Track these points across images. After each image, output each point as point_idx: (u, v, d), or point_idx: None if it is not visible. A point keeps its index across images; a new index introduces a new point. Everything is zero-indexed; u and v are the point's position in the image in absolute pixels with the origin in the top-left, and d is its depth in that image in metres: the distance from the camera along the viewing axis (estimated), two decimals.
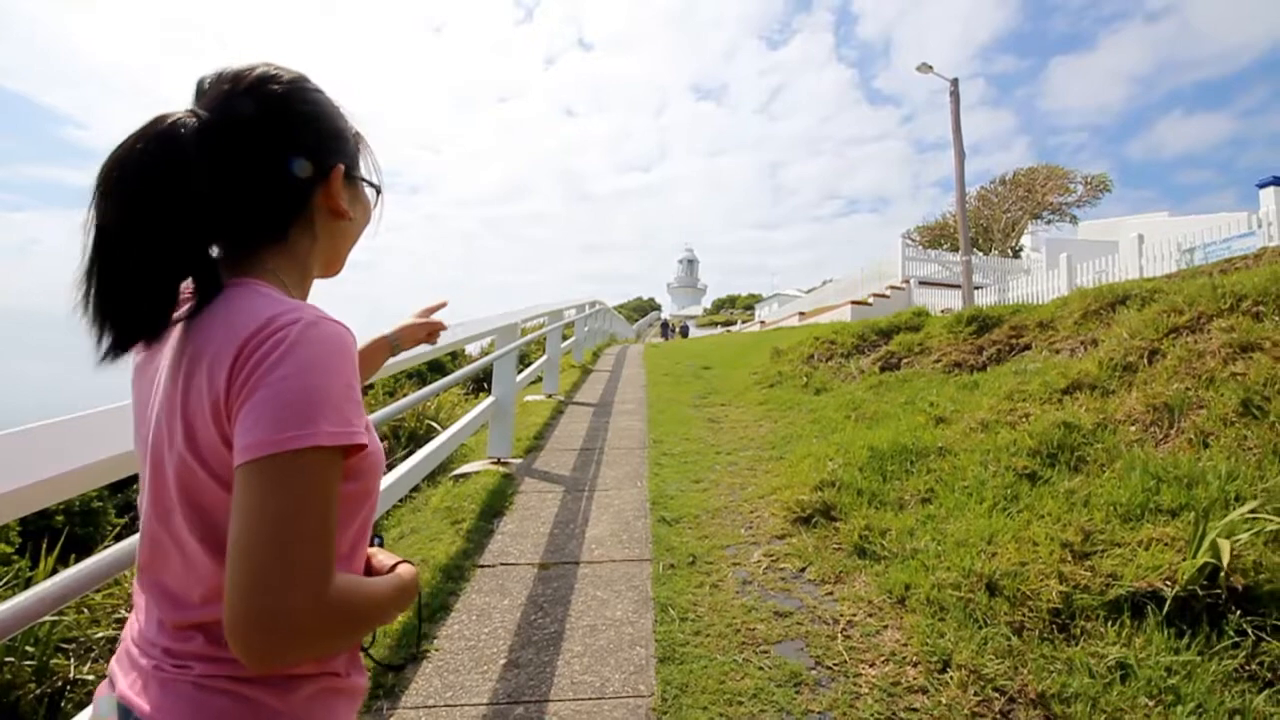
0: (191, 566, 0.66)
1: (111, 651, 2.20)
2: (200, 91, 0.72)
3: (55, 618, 2.04)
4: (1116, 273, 11.83)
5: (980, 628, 2.16)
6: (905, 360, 6.39)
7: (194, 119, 0.67)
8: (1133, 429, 3.23)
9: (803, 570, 2.78)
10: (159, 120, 0.66)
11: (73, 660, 2.09)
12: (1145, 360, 3.75)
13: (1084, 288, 5.36)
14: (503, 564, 2.99)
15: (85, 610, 2.25)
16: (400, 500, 4.02)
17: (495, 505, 3.72)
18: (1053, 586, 2.24)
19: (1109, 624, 2.12)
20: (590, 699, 2.02)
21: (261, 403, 0.59)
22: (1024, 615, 2.19)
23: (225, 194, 0.68)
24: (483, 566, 2.99)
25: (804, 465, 3.83)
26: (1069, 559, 2.35)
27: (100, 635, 2.18)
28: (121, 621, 2.29)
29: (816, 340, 7.67)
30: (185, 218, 0.65)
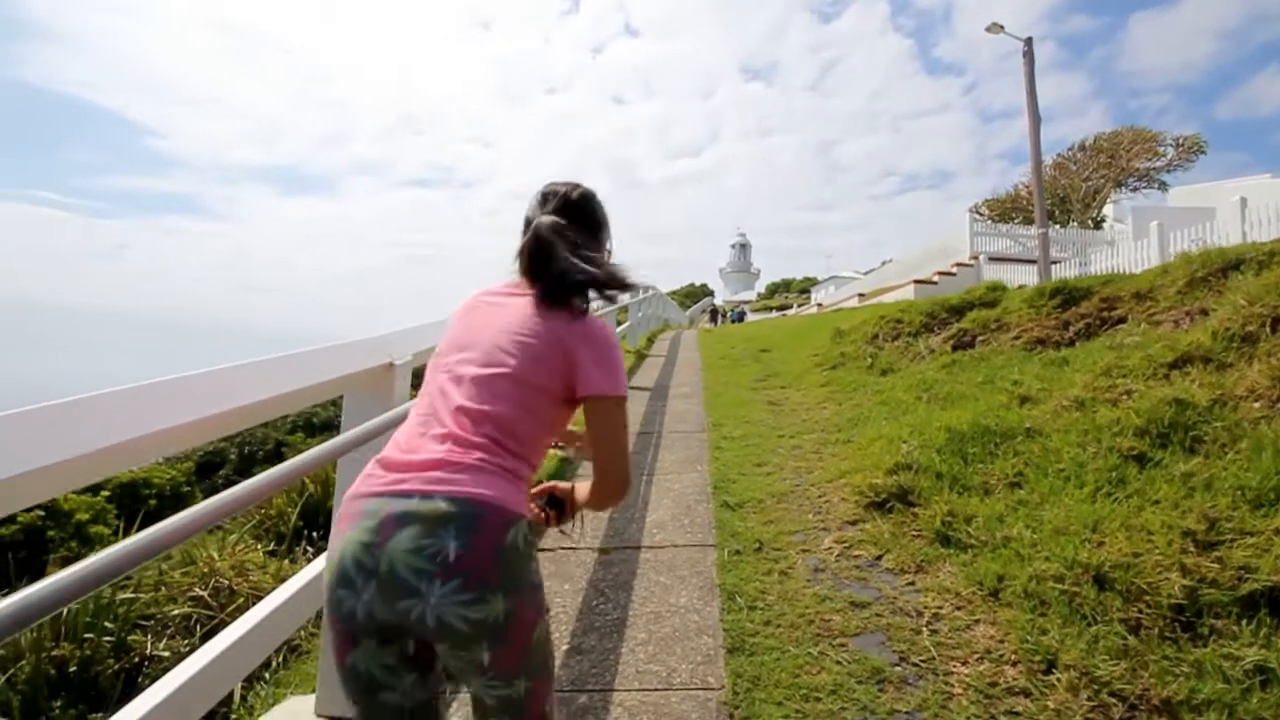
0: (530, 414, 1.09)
1: (186, 628, 2.26)
2: (547, 200, 1.24)
3: (133, 594, 2.10)
4: (1215, 240, 10.81)
5: (1089, 624, 1.94)
6: (980, 338, 5.99)
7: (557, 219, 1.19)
8: (1256, 405, 2.87)
9: (879, 558, 2.60)
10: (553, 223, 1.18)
11: (149, 637, 2.14)
12: (1268, 329, 3.34)
13: (1188, 253, 4.86)
14: (562, 548, 2.92)
15: (163, 588, 2.31)
16: None
17: None
18: (1174, 580, 1.98)
19: (1243, 622, 1.86)
20: (657, 690, 1.92)
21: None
22: (1140, 611, 1.95)
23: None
24: (542, 550, 2.93)
25: (875, 448, 3.61)
26: (1191, 549, 2.09)
27: (176, 613, 2.24)
28: (197, 599, 2.35)
29: (881, 319, 7.31)
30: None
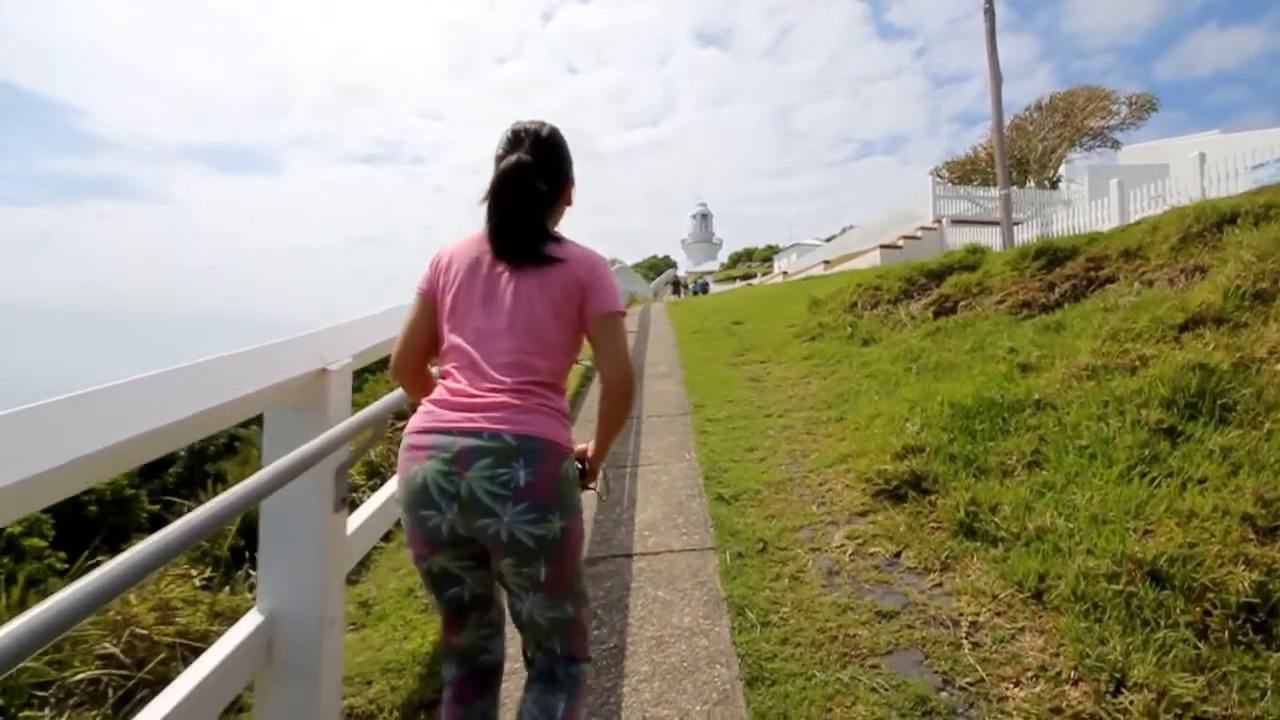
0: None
1: (94, 695, 1.88)
2: (519, 139, 1.33)
3: (31, 663, 1.71)
4: (1174, 198, 10.93)
5: (1152, 631, 1.72)
6: (963, 303, 5.82)
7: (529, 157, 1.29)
8: None
9: (898, 555, 2.35)
10: (518, 161, 1.28)
11: (48, 712, 1.75)
12: None
13: (1180, 207, 4.72)
14: None
15: (65, 645, 1.91)
16: None
17: None
18: (1240, 574, 1.77)
19: None
20: None
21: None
22: (1207, 613, 1.74)
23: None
24: None
25: (875, 428, 3.37)
26: (1253, 537, 1.89)
27: (81, 676, 1.84)
28: (108, 657, 1.95)
29: (859, 287, 7.11)
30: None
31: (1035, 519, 2.26)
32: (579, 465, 1.35)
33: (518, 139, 1.32)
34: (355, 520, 1.78)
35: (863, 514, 2.69)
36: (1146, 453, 2.40)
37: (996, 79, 14.10)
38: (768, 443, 3.78)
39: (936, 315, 5.86)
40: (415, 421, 1.23)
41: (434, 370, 1.38)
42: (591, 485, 1.43)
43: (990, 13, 14.00)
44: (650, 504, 3.07)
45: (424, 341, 1.35)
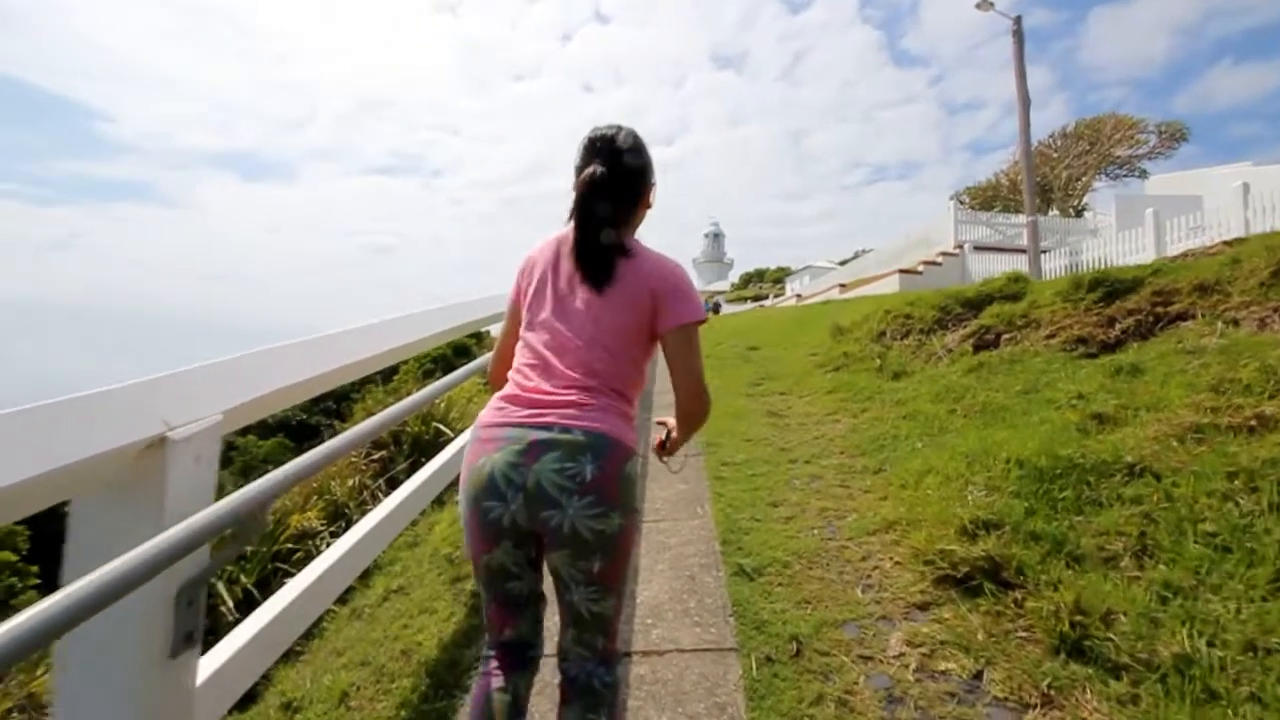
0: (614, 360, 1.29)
1: None
2: (594, 148, 1.34)
3: None
4: (1214, 229, 10.36)
5: None
6: (1006, 336, 5.26)
7: (604, 168, 1.31)
8: None
9: (978, 677, 1.79)
10: (593, 174, 1.30)
11: None
12: None
13: (1269, 235, 4.17)
14: None
15: None
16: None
17: None
18: None
19: None
20: None
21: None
22: None
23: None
24: None
25: (928, 488, 2.82)
26: None
27: None
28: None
29: (887, 314, 6.56)
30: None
31: (1166, 638, 1.71)
32: (662, 438, 1.55)
33: (594, 148, 1.33)
34: (219, 656, 1.24)
35: (923, 607, 2.14)
36: None
37: (1024, 102, 13.69)
38: (794, 496, 3.23)
39: (976, 349, 5.31)
40: (486, 416, 1.28)
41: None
42: (666, 459, 1.60)
43: (1019, 34, 13.63)
44: (656, 576, 2.53)
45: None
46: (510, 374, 1.33)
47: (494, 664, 1.33)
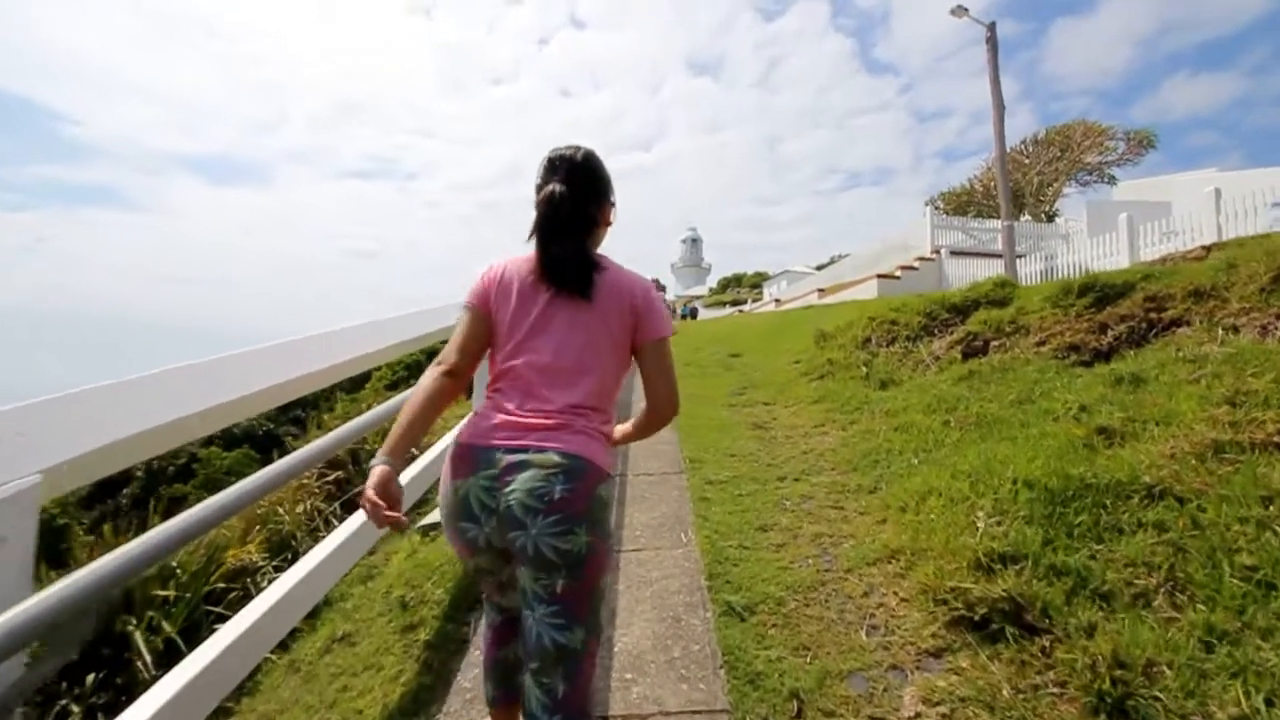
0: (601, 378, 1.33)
1: None
2: (554, 167, 1.37)
3: None
4: (1186, 234, 10.46)
5: None
6: (995, 343, 5.12)
7: (564, 186, 1.34)
8: None
9: None
10: (553, 191, 1.33)
11: None
12: None
13: (1271, 234, 4.06)
14: None
15: None
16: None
17: (472, 588, 2.51)
18: None
19: None
20: None
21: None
22: None
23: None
24: None
25: (930, 512, 2.60)
26: None
27: None
28: None
29: (871, 320, 6.40)
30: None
31: (1218, 693, 1.50)
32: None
33: (554, 166, 1.36)
34: None
35: (936, 654, 1.90)
36: None
37: (999, 108, 13.75)
38: (785, 519, 3.00)
39: (965, 356, 5.15)
40: (465, 432, 1.29)
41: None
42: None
43: (993, 40, 13.71)
44: (636, 618, 2.26)
45: (477, 351, 1.38)
46: (489, 392, 1.34)
47: (493, 635, 1.45)
